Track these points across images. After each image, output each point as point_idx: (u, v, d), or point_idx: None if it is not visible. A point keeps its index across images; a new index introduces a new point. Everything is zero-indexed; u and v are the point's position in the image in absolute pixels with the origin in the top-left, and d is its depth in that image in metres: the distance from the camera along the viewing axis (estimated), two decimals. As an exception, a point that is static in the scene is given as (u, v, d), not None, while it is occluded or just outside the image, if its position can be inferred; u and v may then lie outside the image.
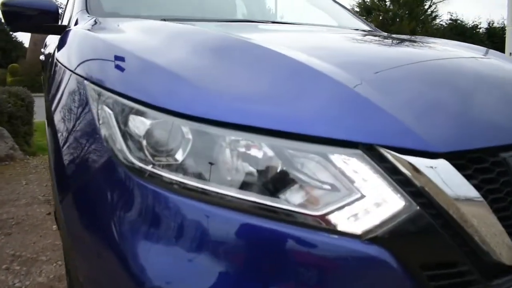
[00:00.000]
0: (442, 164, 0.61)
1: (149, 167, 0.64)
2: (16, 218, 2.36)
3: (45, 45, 3.14)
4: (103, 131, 0.70)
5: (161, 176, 0.63)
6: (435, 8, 28.03)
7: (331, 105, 0.65)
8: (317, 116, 0.63)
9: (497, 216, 0.63)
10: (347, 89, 0.66)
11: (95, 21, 1.26)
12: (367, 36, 1.43)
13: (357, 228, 0.58)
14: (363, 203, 0.59)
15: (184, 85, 0.69)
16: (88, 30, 1.09)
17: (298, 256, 0.58)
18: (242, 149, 0.62)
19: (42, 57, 3.09)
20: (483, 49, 1.34)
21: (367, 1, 27.47)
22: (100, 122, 0.71)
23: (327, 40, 1.19)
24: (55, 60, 1.12)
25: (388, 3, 27.53)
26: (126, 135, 0.67)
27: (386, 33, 1.78)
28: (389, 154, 0.60)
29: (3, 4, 1.55)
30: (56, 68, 1.06)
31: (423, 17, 27.65)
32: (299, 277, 0.58)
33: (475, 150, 0.64)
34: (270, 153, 0.61)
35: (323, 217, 0.59)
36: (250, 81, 0.71)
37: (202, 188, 0.61)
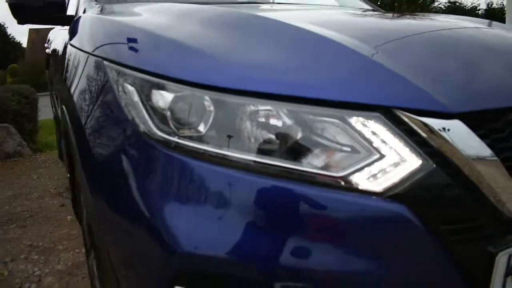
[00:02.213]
0: (457, 125, 0.64)
1: (175, 139, 0.67)
2: (30, 211, 2.40)
3: (49, 41, 3.17)
4: (127, 108, 0.73)
5: (186, 145, 0.66)
6: (433, -9, 27.76)
7: (348, 71, 0.67)
8: (335, 81, 0.65)
9: (510, 174, 0.66)
10: (363, 56, 0.69)
11: (104, 7, 1.29)
12: (374, 13, 1.44)
13: (378, 186, 0.61)
14: (382, 163, 0.62)
15: (203, 56, 0.71)
16: (102, 14, 1.11)
17: (322, 214, 0.61)
18: (262, 118, 0.65)
19: (48, 51, 3.10)
20: (486, 20, 1.36)
21: (365, -15, 27.30)
22: (123, 99, 0.74)
23: (337, 16, 1.21)
24: (69, 47, 1.15)
25: (386, -13, 27.32)
26: (150, 109, 0.70)
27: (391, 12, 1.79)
28: (405, 116, 0.62)
29: None
30: (71, 54, 1.09)
31: (421, 0, 27.42)
32: (324, 233, 0.61)
33: (487, 110, 0.67)
34: (289, 119, 0.64)
35: (345, 178, 0.62)
36: (266, 51, 0.73)
37: (226, 155, 0.64)
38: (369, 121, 0.63)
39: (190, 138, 0.66)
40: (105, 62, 0.82)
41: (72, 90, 0.95)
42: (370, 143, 0.62)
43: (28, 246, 1.95)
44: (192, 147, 0.66)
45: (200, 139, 0.66)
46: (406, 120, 0.63)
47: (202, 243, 0.63)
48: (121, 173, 0.72)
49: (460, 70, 0.75)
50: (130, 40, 0.84)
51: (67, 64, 1.13)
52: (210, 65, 0.70)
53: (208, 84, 0.67)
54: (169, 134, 0.67)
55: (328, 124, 0.64)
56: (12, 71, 21.53)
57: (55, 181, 3.01)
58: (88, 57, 0.92)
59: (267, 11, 1.11)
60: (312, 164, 0.63)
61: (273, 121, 0.66)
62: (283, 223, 0.62)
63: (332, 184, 0.61)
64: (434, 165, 0.61)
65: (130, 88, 0.74)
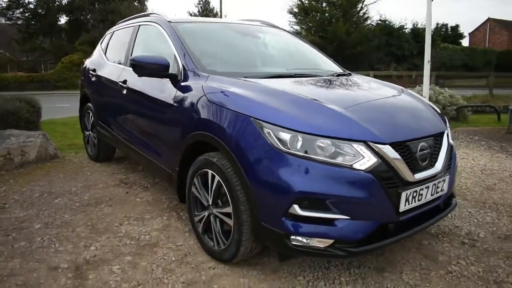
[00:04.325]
0: (387, 147, 1.92)
1: (289, 150, 1.84)
2: (107, 196, 3.34)
3: (95, 70, 4.13)
4: (268, 139, 1.88)
5: (292, 152, 1.83)
6: (366, 10, 30.47)
7: (351, 126, 1.91)
8: (348, 130, 1.89)
9: (406, 164, 1.93)
10: (354, 121, 1.95)
11: (210, 77, 2.40)
12: (345, 81, 2.73)
13: (363, 167, 1.88)
14: (364, 160, 1.89)
15: (296, 117, 1.93)
16: (224, 88, 2.24)
17: (343, 177, 1.85)
18: (319, 143, 1.85)
19: (94, 78, 4.06)
20: (400, 88, 2.72)
21: (305, 3, 29.26)
22: (265, 135, 1.89)
23: (332, 90, 2.49)
24: (208, 102, 2.24)
25: (324, 5, 29.57)
26: (278, 139, 1.87)
27: (351, 75, 3.08)
28: (370, 143, 1.88)
29: (133, 59, 2.60)
30: (210, 107, 2.20)
31: (355, 18, 30.17)
32: (343, 184, 1.83)
33: (398, 141, 1.94)
34: (329, 144, 1.85)
35: (351, 165, 1.86)
36: (317, 115, 1.96)
37: (309, 156, 1.83)
38: (359, 145, 1.87)
39: (294, 150, 1.84)
40: (251, 118, 1.97)
41: (228, 131, 2.07)
42: (359, 153, 1.87)
43: (124, 217, 2.93)
44: (294, 153, 1.85)
45: (296, 150, 1.84)
46: (371, 145, 1.87)
47: (303, 185, 1.82)
48: (269, 166, 1.89)
49: (391, 123, 2.04)
50: (260, 107, 2.01)
51: (208, 110, 2.23)
52: (299, 121, 1.90)
53: (299, 130, 1.87)
54: (287, 148, 1.85)
55: (344, 145, 1.88)
56: None
57: (107, 176, 3.92)
58: (237, 114, 2.04)
59: (305, 91, 2.31)
60: (338, 159, 1.85)
61: (322, 144, 1.86)
62: (327, 179, 1.83)
63: (346, 166, 1.84)
64: (380, 160, 1.86)
65: (267, 131, 1.90)
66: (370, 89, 2.68)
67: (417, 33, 31.45)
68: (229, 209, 2.12)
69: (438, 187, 2.18)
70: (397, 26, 30.89)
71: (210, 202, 2.29)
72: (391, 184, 1.92)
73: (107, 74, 3.80)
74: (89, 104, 4.34)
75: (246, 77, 2.50)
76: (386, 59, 28.57)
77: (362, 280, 2.15)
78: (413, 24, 31.99)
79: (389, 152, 1.90)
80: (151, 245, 2.51)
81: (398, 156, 1.93)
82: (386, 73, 17.01)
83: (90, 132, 4.43)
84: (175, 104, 2.56)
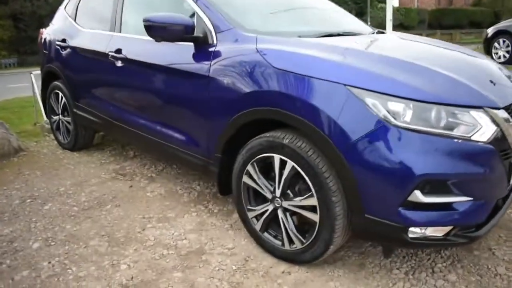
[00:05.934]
0: (502, 111, 1.61)
1: (404, 124, 1.48)
2: (108, 194, 2.74)
3: (49, 39, 3.39)
4: (375, 112, 1.49)
5: (410, 127, 1.47)
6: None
7: (466, 90, 1.58)
8: (468, 96, 1.55)
9: None
10: (471, 88, 1.60)
11: (259, 38, 1.91)
12: (406, 39, 2.43)
13: (483, 138, 1.55)
14: (483, 129, 1.55)
15: (405, 84, 1.56)
16: (302, 49, 1.83)
17: (464, 152, 1.51)
18: (436, 113, 1.50)
19: (67, 51, 3.29)
20: (458, 46, 2.44)
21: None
22: (369, 107, 1.50)
23: (410, 50, 2.15)
24: (276, 70, 1.77)
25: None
26: (387, 112, 1.48)
27: (385, 33, 2.72)
28: (488, 109, 1.55)
29: (148, 20, 2.03)
30: (283, 76, 1.74)
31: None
32: (465, 160, 1.51)
33: (508, 105, 1.65)
34: (447, 113, 1.51)
35: (469, 137, 1.51)
36: (432, 82, 1.58)
37: (426, 130, 1.47)
38: (477, 112, 1.54)
39: (409, 124, 1.49)
40: (347, 86, 1.55)
41: (314, 105, 1.63)
42: (478, 121, 1.53)
43: (142, 218, 2.40)
44: (410, 127, 1.49)
45: (410, 123, 1.48)
46: (488, 110, 1.55)
47: (426, 167, 1.49)
48: (379, 145, 1.51)
49: (494, 85, 1.72)
50: (355, 72, 1.62)
51: (275, 80, 1.74)
52: (409, 87, 1.53)
53: (413, 98, 1.51)
54: (401, 122, 1.49)
55: (462, 114, 1.53)
56: None
57: (96, 168, 3.25)
58: (322, 82, 1.61)
59: (383, 51, 1.93)
60: (456, 131, 1.51)
61: (438, 114, 1.52)
62: (447, 155, 1.49)
63: (466, 139, 1.52)
64: (498, 129, 1.56)
65: (373, 101, 1.50)
66: (443, 48, 2.33)
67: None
68: (312, 201, 1.73)
69: (526, 154, 1.98)
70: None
71: (278, 194, 1.87)
72: (506, 155, 1.64)
73: (85, 45, 3.05)
74: (57, 82, 3.55)
75: (300, 36, 2.04)
76: (327, 21, 28.79)
77: (458, 263, 1.91)
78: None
79: (504, 117, 1.62)
80: (196, 253, 2.05)
81: (509, 117, 1.65)
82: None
83: (60, 116, 3.67)
84: (211, 76, 2.03)
